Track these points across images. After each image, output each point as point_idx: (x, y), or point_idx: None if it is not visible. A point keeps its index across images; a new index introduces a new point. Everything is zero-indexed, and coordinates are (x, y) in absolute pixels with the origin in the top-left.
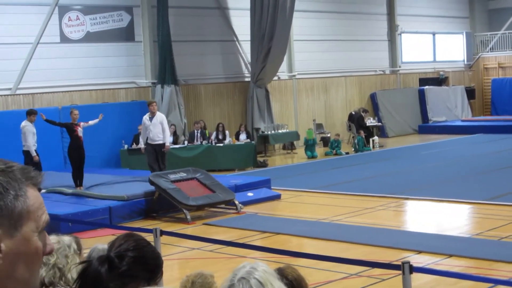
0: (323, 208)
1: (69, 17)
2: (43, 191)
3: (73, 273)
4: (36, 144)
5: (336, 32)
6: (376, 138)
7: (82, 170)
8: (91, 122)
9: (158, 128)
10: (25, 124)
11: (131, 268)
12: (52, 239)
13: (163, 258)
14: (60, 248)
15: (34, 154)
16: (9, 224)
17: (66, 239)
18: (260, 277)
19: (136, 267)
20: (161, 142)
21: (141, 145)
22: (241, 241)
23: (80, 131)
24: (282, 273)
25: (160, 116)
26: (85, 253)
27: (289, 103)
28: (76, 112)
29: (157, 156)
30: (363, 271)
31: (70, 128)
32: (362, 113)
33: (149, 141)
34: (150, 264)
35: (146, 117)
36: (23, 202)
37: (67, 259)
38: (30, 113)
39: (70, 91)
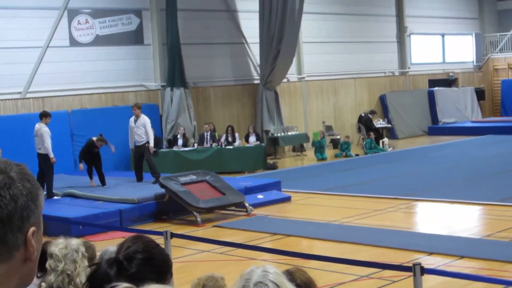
0: (333, 210)
1: (78, 20)
2: (56, 197)
3: (82, 278)
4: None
5: (344, 33)
6: (386, 139)
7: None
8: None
9: (140, 131)
10: (41, 126)
11: (140, 270)
12: (60, 243)
13: (173, 260)
14: (68, 254)
15: (52, 156)
16: (38, 224)
17: (74, 243)
18: (275, 279)
19: (145, 269)
20: (143, 142)
21: (131, 146)
22: (251, 243)
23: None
24: (291, 276)
25: (143, 119)
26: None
27: (298, 105)
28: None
29: (141, 158)
30: (373, 273)
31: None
32: (369, 115)
33: (135, 143)
34: (159, 265)
35: (131, 120)
36: (41, 206)
37: (76, 264)
38: (46, 115)
39: (80, 94)
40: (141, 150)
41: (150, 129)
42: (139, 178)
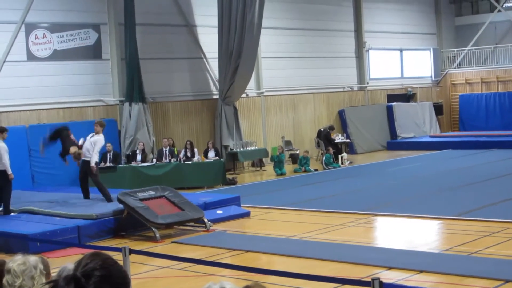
0: (293, 225)
1: (36, 35)
2: (13, 213)
3: None
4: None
5: (304, 49)
6: (345, 154)
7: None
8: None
9: (90, 146)
10: None
11: (98, 287)
12: (18, 259)
13: (132, 277)
14: (26, 270)
15: (10, 172)
16: None
17: (32, 259)
18: None
19: (103, 286)
20: (89, 159)
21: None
22: (210, 259)
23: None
24: None
25: (97, 137)
26: (54, 272)
27: (257, 120)
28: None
29: (86, 174)
30: None
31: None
32: (328, 130)
33: (83, 158)
34: (117, 283)
35: (90, 134)
36: None
37: (33, 281)
38: (2, 131)
39: (38, 109)
40: (86, 167)
41: (98, 149)
42: (85, 195)
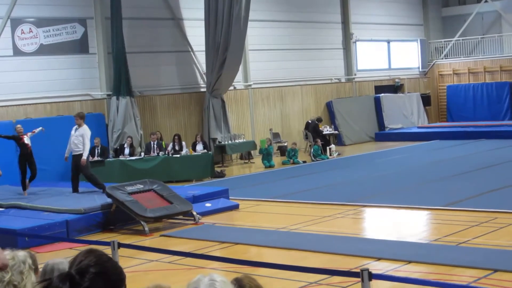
0: (282, 217)
1: (22, 29)
2: (1, 208)
3: None
4: None
5: (291, 41)
6: (333, 146)
7: (35, 173)
8: (35, 130)
9: (77, 140)
10: None
11: (93, 284)
12: (7, 254)
13: None
14: (15, 265)
15: None
16: None
17: (21, 254)
18: None
19: (98, 283)
20: (80, 152)
21: (67, 154)
22: (199, 252)
23: (26, 139)
24: (240, 284)
25: (83, 129)
26: (41, 268)
27: (245, 113)
28: (19, 126)
29: (77, 168)
30: (322, 279)
31: (16, 138)
32: (316, 122)
33: (72, 153)
34: (113, 279)
35: (73, 129)
36: None
37: (22, 276)
38: None
39: (24, 104)
40: (77, 161)
41: (88, 141)
42: (74, 189)
